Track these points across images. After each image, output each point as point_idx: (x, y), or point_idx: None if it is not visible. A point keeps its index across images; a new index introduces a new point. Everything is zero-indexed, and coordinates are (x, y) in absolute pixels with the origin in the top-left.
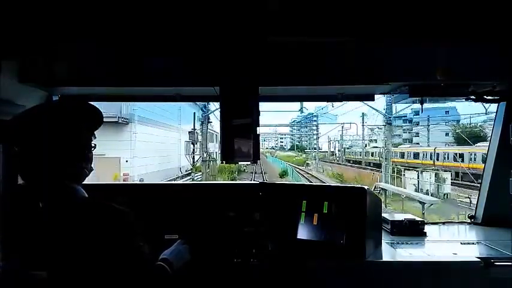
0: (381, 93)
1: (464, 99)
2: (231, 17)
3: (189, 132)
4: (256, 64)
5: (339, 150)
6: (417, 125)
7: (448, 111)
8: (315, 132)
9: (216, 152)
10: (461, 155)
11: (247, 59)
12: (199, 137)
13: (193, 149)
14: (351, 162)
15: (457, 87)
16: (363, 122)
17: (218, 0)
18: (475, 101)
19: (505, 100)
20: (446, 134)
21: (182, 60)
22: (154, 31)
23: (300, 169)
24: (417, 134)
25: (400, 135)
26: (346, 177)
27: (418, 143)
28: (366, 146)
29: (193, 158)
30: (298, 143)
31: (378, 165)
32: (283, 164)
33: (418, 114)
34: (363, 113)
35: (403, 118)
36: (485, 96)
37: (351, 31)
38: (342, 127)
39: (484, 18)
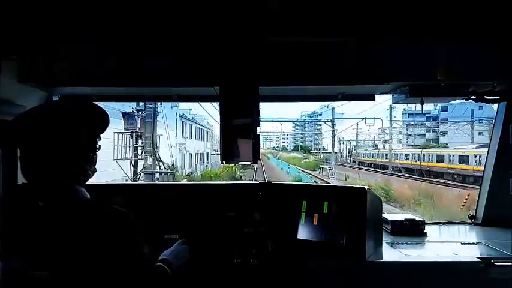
0: (381, 93)
1: (464, 99)
2: (231, 17)
3: (123, 114)
4: (256, 64)
5: (349, 151)
6: (445, 122)
7: (482, 107)
8: (329, 128)
9: (208, 154)
10: None
11: (247, 59)
12: (146, 127)
13: (136, 149)
14: (364, 164)
15: (457, 87)
16: (390, 117)
17: (218, 0)
18: (476, 101)
19: (505, 100)
20: (480, 134)
21: (182, 60)
22: (154, 31)
23: (312, 175)
24: (444, 134)
25: (423, 134)
26: (401, 195)
27: (446, 144)
28: (376, 148)
29: (136, 166)
30: (301, 143)
31: (404, 169)
32: (292, 168)
33: (446, 110)
34: (390, 106)
35: (427, 115)
36: (485, 96)
37: (351, 31)
38: (357, 124)
39: (484, 18)
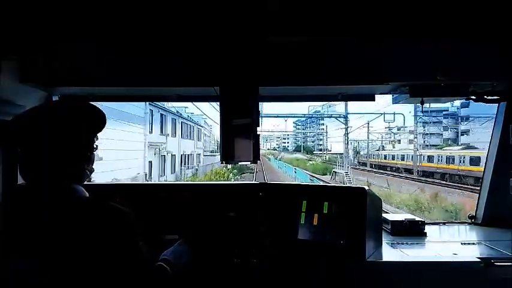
0: (380, 93)
1: (464, 99)
2: (231, 17)
3: None
4: (256, 64)
5: (357, 152)
6: (466, 120)
7: None
8: (336, 127)
9: (199, 155)
10: None
11: (247, 59)
12: None
13: None
14: (376, 167)
15: (457, 87)
16: (415, 112)
17: (218, 0)
18: (476, 101)
19: (505, 100)
20: None
21: (182, 60)
22: (154, 31)
23: (323, 181)
24: (464, 133)
25: (441, 134)
26: None
27: (469, 144)
28: (381, 149)
29: None
30: (303, 143)
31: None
32: (300, 172)
33: (467, 107)
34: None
35: (444, 112)
36: (485, 96)
37: (351, 31)
38: (368, 122)
39: (484, 18)
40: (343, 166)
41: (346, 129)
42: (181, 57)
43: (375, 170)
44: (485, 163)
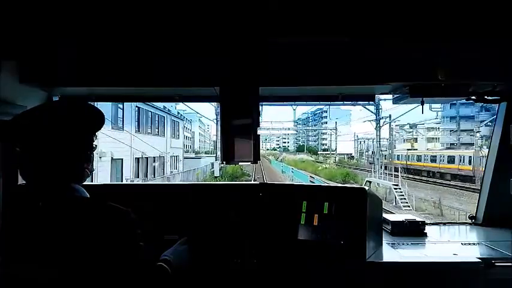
0: (381, 93)
1: (465, 99)
2: (231, 17)
3: None
4: (256, 64)
5: (372, 153)
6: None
7: None
8: (365, 119)
9: (176, 157)
10: None
11: (247, 59)
12: None
13: None
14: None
15: (457, 87)
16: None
17: (218, 0)
18: (476, 101)
19: (505, 100)
20: None
21: (182, 60)
22: (155, 31)
23: None
24: None
25: (472, 130)
26: None
27: None
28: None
29: None
30: (304, 143)
31: None
32: (315, 180)
33: None
34: None
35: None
36: (485, 97)
37: (351, 31)
38: (390, 116)
39: (484, 18)
40: (376, 171)
41: (377, 121)
42: (181, 57)
43: (405, 175)
44: (486, 163)
